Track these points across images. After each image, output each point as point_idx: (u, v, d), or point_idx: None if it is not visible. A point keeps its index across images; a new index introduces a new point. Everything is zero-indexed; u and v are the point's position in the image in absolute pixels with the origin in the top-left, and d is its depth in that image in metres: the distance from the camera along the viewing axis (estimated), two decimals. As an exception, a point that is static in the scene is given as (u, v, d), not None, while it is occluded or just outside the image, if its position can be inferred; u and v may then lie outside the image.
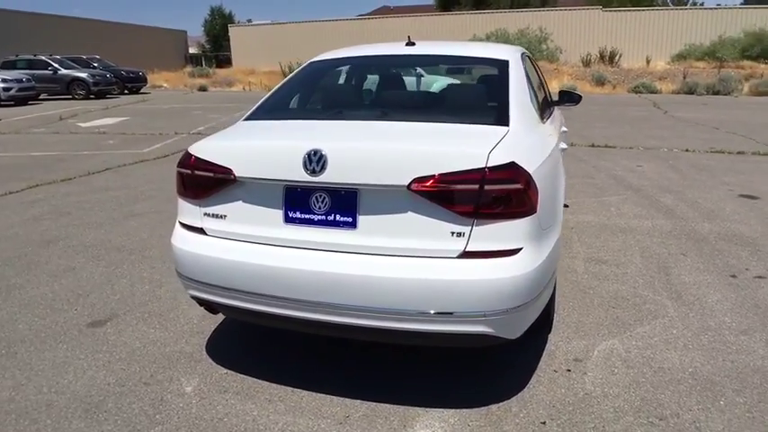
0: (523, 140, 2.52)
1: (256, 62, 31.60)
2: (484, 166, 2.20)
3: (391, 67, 3.71)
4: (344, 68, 3.83)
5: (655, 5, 31.46)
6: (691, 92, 19.14)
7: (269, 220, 2.43)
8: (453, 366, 2.90)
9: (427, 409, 2.55)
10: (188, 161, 2.61)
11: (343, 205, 2.32)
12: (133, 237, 5.08)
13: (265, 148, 2.49)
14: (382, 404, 2.59)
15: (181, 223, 2.73)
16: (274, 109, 3.11)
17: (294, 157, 2.32)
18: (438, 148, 2.34)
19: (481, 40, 25.84)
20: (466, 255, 2.24)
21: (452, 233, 2.23)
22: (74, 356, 3.06)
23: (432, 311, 2.22)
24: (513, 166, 2.23)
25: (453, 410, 2.54)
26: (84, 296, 3.84)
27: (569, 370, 2.87)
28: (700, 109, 14.70)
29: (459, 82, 3.69)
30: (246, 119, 3.03)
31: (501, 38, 25.89)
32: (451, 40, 25.76)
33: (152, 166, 8.29)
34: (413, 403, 2.59)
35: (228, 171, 2.45)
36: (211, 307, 2.72)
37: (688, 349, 3.06)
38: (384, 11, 51.40)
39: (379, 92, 3.53)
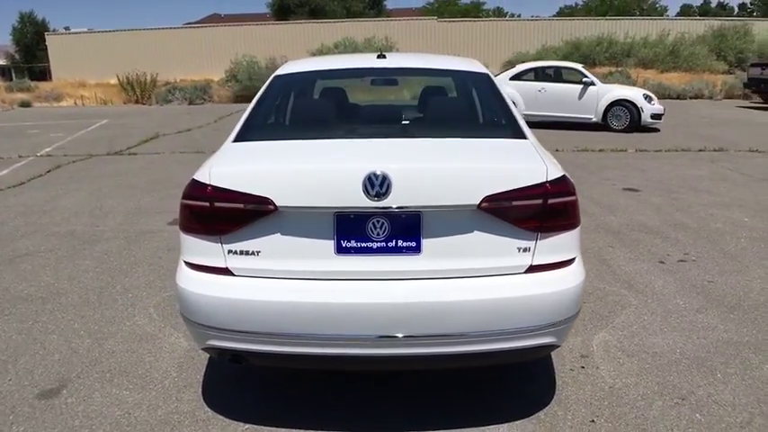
0: (547, 153, 2.58)
1: (81, 74, 28.65)
2: (545, 180, 2.22)
3: (379, 81, 3.59)
4: (326, 82, 3.62)
5: (482, 17, 34.09)
6: (528, 95, 21.06)
7: (317, 253, 2.22)
8: (483, 382, 2.89)
9: (483, 428, 2.51)
10: (202, 191, 2.28)
11: (406, 229, 2.20)
12: (35, 282, 4.34)
13: (314, 173, 2.26)
14: (438, 431, 2.49)
15: (190, 264, 2.38)
16: (270, 128, 2.84)
17: (351, 181, 2.14)
18: (504, 165, 2.32)
19: (330, 49, 26.09)
20: (532, 269, 2.25)
21: (519, 249, 2.23)
22: (41, 438, 2.53)
23: (506, 329, 2.19)
24: (565, 179, 2.29)
25: (507, 425, 2.54)
26: (11, 362, 3.19)
27: (583, 367, 3.01)
28: (543, 111, 16.23)
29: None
30: (238, 140, 2.72)
31: (349, 47, 26.31)
32: (299, 49, 25.69)
33: (10, 197, 7.14)
34: (464, 425, 2.54)
35: (266, 201, 2.19)
36: (239, 357, 2.39)
37: (665, 332, 3.36)
38: (214, 19, 49.65)
39: (382, 107, 3.40)
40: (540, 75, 13.02)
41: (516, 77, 13.03)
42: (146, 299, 4.00)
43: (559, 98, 12.46)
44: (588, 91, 12.27)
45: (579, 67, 13.03)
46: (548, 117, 12.49)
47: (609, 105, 12.11)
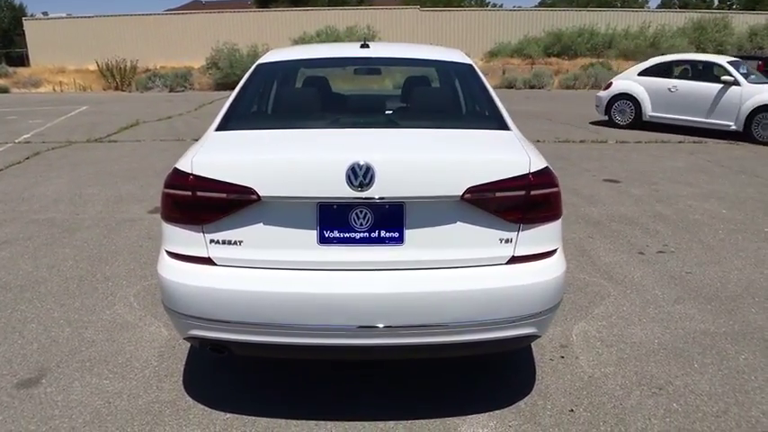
0: (530, 145, 2.59)
1: (59, 59, 28.11)
2: (527, 171, 2.24)
3: (362, 70, 3.57)
4: (310, 71, 3.59)
5: (464, 6, 33.97)
6: (510, 86, 21.15)
7: (299, 243, 2.22)
8: (463, 372, 2.91)
9: (463, 418, 2.54)
10: (185, 180, 2.25)
11: (389, 220, 2.20)
12: (13, 270, 4.27)
13: (297, 163, 2.24)
14: (419, 420, 2.51)
15: (172, 253, 2.36)
16: (253, 117, 2.80)
17: (335, 171, 2.13)
18: (487, 156, 2.32)
19: (312, 37, 25.87)
20: (514, 260, 2.26)
21: (501, 240, 2.24)
22: (20, 429, 2.50)
23: (488, 320, 2.21)
24: (548, 171, 2.31)
25: (487, 414, 2.56)
26: (-11, 351, 3.15)
27: (563, 357, 3.04)
28: (526, 102, 16.31)
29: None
30: (220, 129, 2.69)
31: (331, 36, 26.11)
32: (281, 37, 25.44)
33: (-13, 185, 7.01)
34: (446, 414, 2.56)
35: (249, 191, 2.17)
36: (220, 347, 2.38)
37: (643, 323, 3.41)
38: (196, 6, 48.87)
39: (365, 96, 3.38)
40: (676, 70, 11.00)
41: (646, 72, 11.05)
42: (126, 287, 3.96)
43: (692, 99, 10.20)
44: (729, 92, 9.84)
45: (723, 61, 10.45)
46: (677, 121, 10.50)
47: (754, 111, 9.57)
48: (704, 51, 25.46)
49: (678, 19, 28.14)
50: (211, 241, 2.26)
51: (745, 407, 2.60)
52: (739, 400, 2.66)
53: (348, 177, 2.13)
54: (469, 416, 2.55)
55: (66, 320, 3.50)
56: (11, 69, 26.05)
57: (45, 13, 37.40)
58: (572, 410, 2.59)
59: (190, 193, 2.25)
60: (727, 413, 2.56)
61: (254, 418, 2.55)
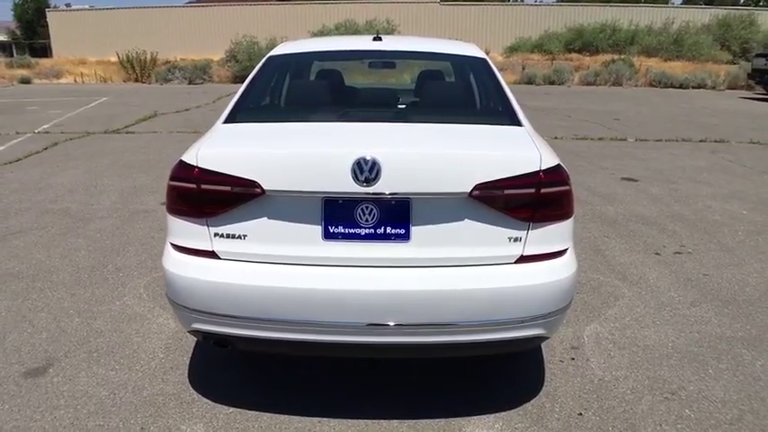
0: (543, 141, 2.53)
1: (81, 51, 28.45)
2: (538, 169, 2.18)
3: (377, 64, 3.53)
4: (321, 64, 3.56)
5: (485, 1, 33.57)
6: (530, 82, 20.94)
7: (304, 238, 2.18)
8: (469, 372, 2.87)
9: (469, 418, 2.49)
10: (190, 173, 2.23)
11: (395, 216, 2.15)
12: (26, 260, 4.31)
13: (302, 157, 2.21)
14: (422, 420, 2.48)
15: (177, 246, 2.34)
16: (261, 110, 2.78)
17: (340, 165, 2.10)
18: (497, 153, 2.27)
19: (331, 30, 25.85)
20: (523, 259, 2.21)
21: (509, 238, 2.19)
22: (25, 418, 2.51)
23: (494, 320, 2.16)
24: (559, 169, 2.24)
25: (493, 415, 2.52)
26: (-1, 339, 3.18)
27: (573, 359, 2.98)
28: (545, 98, 16.12)
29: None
30: (228, 122, 2.67)
31: (350, 29, 26.06)
32: (300, 30, 25.44)
33: (7, 173, 7.08)
34: (450, 415, 2.52)
35: (254, 184, 2.14)
36: (224, 341, 2.37)
37: (657, 325, 3.33)
38: (215, -2, 49.05)
39: (377, 90, 3.35)
40: None
41: None
42: (136, 278, 3.97)
43: None
44: None
45: None
46: None
47: None
48: (729, 49, 24.96)
49: (702, 16, 27.58)
50: (215, 235, 2.24)
51: (760, 415, 2.53)
52: (754, 407, 2.58)
53: (353, 172, 2.09)
54: (475, 417, 2.50)
55: (76, 310, 3.51)
56: (33, 60, 26.40)
57: (68, 5, 37.82)
58: (581, 414, 2.53)
59: (194, 185, 2.22)
60: (741, 421, 2.48)
61: (257, 413, 2.53)
